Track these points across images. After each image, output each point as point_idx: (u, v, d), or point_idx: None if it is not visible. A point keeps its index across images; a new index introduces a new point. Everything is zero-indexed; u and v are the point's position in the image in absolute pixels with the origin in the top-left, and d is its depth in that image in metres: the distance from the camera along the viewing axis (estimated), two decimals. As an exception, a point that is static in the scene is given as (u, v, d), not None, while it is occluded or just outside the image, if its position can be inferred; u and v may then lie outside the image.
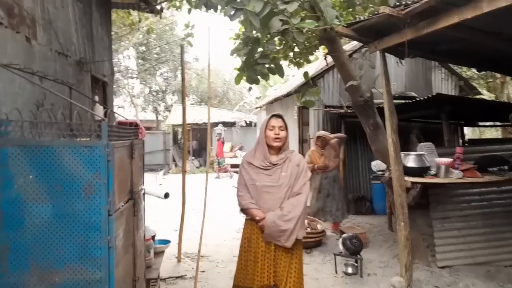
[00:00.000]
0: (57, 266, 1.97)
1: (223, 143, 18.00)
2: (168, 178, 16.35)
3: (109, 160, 1.98)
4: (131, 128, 2.70)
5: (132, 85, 22.83)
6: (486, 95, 16.58)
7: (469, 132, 19.77)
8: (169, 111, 23.41)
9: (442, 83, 9.78)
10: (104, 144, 1.97)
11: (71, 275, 1.97)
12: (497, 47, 4.03)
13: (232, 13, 3.61)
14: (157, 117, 25.51)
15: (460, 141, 9.30)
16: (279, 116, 3.01)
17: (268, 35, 3.83)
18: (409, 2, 3.27)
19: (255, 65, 4.23)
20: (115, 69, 19.18)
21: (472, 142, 9.67)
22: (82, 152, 1.97)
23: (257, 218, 2.88)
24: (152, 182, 13.86)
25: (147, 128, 22.69)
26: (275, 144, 2.92)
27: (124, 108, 24.06)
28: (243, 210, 3.02)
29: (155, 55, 20.48)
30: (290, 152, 3.02)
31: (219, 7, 4.41)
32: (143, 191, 2.99)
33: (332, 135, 6.61)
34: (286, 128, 2.98)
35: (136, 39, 17.50)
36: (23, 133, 2.01)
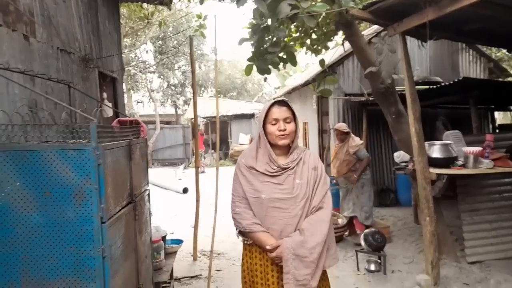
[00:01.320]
0: (50, 278, 1.85)
1: (202, 135, 17.94)
2: (188, 172, 16.35)
3: (99, 164, 1.83)
4: (130, 127, 2.54)
5: (151, 79, 22.88)
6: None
7: (499, 117, 18.93)
8: (188, 104, 23.42)
9: (470, 66, 9.27)
10: (93, 146, 1.82)
11: (65, 287, 1.84)
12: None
13: (238, -1, 3.40)
14: (176, 111, 25.55)
15: (491, 127, 8.82)
16: (282, 102, 2.17)
17: (277, 21, 3.59)
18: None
19: (265, 54, 4.01)
20: (133, 63, 19.27)
21: (503, 128, 9.15)
22: (71, 156, 1.82)
23: (268, 247, 2.06)
24: (172, 177, 13.88)
25: (167, 122, 22.82)
26: (282, 142, 2.13)
27: (143, 103, 24.20)
28: (244, 234, 2.20)
29: (172, 48, 20.41)
30: (302, 150, 2.23)
31: (228, -5, 4.21)
32: (147, 192, 2.84)
33: (356, 145, 5.71)
34: (294, 118, 2.17)
35: (152, 33, 17.43)
36: (9, 137, 1.88)
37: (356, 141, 5.68)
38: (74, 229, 1.84)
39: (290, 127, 2.14)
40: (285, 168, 2.13)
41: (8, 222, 1.82)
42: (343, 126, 5.90)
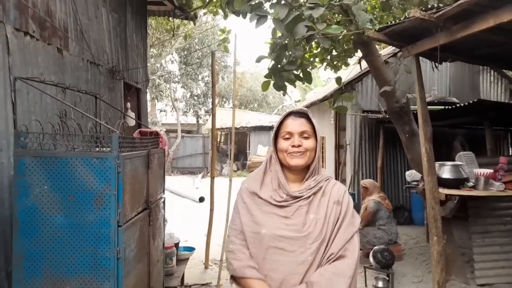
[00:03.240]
0: (69, 275, 2.02)
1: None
2: (206, 181, 16.57)
3: (119, 172, 2.01)
4: (150, 138, 2.73)
5: (174, 89, 23.41)
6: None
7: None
8: (210, 114, 23.77)
9: (490, 87, 9.20)
10: (114, 155, 2.00)
11: (81, 284, 2.02)
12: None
13: (256, 19, 3.58)
14: (197, 121, 25.98)
15: (510, 149, 8.71)
16: (301, 113, 1.69)
17: (294, 41, 3.76)
18: (441, 5, 3.09)
19: (282, 71, 4.17)
20: (158, 73, 19.81)
21: (523, 150, 9.01)
22: (94, 163, 2.01)
23: None
24: (189, 185, 14.12)
25: (188, 132, 23.23)
26: (294, 162, 1.63)
27: (166, 112, 24.71)
28: (236, 280, 1.65)
29: (197, 59, 20.89)
30: (324, 178, 1.69)
31: (248, 14, 4.40)
32: (162, 200, 3.02)
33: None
34: (315, 134, 1.67)
35: (178, 44, 17.93)
36: (40, 144, 2.08)
37: (373, 196, 5.79)
38: (93, 231, 2.02)
39: (307, 144, 1.64)
40: (296, 197, 1.62)
41: (35, 222, 2.01)
42: (365, 182, 6.04)
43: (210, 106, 24.86)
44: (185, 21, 10.13)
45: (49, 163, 2.00)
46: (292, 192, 1.63)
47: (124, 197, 2.07)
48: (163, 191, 3.10)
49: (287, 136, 1.66)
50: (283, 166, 1.70)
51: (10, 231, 2.45)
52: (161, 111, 24.57)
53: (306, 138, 1.65)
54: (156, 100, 22.00)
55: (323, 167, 10.93)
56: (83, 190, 2.01)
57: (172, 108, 24.01)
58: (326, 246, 1.58)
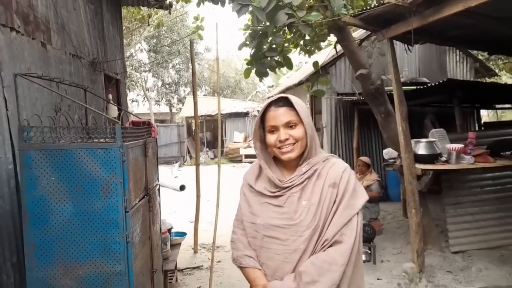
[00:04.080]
0: (80, 261, 2.11)
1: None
2: (184, 170, 16.60)
3: (123, 161, 2.10)
4: (144, 128, 2.81)
5: (145, 78, 23.08)
6: (506, 75, 16.24)
7: (490, 114, 19.41)
8: (183, 103, 23.62)
9: (457, 66, 9.63)
10: (118, 145, 2.09)
11: (94, 268, 2.11)
12: (507, 32, 3.99)
13: (238, 8, 3.66)
14: (170, 110, 25.77)
15: (476, 125, 9.19)
16: (282, 101, 1.59)
17: (275, 29, 3.87)
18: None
19: (263, 58, 4.29)
20: (128, 63, 19.44)
21: (488, 125, 9.54)
22: (99, 154, 2.09)
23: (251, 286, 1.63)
24: (167, 175, 14.11)
25: (161, 121, 23.03)
26: (286, 157, 1.58)
27: (138, 102, 24.36)
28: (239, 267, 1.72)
29: (167, 48, 20.62)
30: (323, 159, 1.61)
31: (227, 1, 4.47)
32: (158, 187, 3.12)
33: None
34: (301, 120, 1.57)
35: (147, 33, 17.64)
36: (44, 137, 2.14)
37: (373, 176, 6.09)
38: (102, 218, 2.11)
39: (295, 133, 1.56)
40: (287, 187, 1.58)
41: (44, 212, 2.08)
42: (367, 159, 6.31)
43: (182, 95, 24.74)
44: (156, 9, 10.00)
45: (54, 155, 2.06)
46: (281, 184, 1.59)
47: (129, 184, 2.16)
48: (158, 178, 3.19)
49: (272, 129, 1.59)
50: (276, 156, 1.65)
51: (13, 223, 2.51)
52: (132, 101, 24.18)
53: (292, 127, 1.57)
54: (128, 90, 21.62)
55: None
56: (89, 180, 2.09)
57: (144, 98, 23.70)
58: (321, 232, 1.52)
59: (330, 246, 1.50)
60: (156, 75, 23.42)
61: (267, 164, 1.66)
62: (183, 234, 4.39)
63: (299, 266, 1.52)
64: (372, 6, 4.09)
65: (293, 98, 1.60)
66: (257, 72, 4.30)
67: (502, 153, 4.56)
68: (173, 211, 8.38)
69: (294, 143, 1.57)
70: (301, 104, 1.60)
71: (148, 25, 10.61)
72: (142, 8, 8.56)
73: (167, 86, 24.15)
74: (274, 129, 1.58)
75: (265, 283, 1.57)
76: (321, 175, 1.58)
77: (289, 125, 1.57)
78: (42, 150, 2.06)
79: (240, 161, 18.18)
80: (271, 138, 1.59)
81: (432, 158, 4.28)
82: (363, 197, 1.60)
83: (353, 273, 1.51)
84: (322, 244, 1.51)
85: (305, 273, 1.47)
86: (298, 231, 1.53)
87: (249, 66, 4.33)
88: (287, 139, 1.56)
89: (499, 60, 13.25)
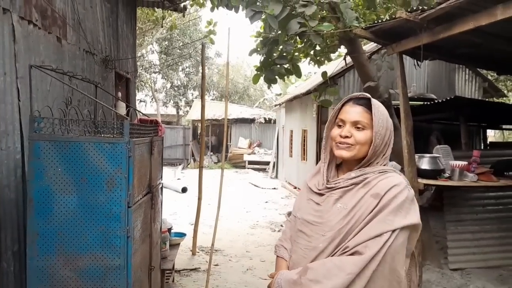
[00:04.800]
0: (81, 252, 2.15)
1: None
2: (187, 172, 16.66)
3: (130, 156, 2.14)
4: (152, 126, 2.85)
5: (155, 79, 23.25)
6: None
7: (497, 135, 19.36)
8: (190, 106, 23.75)
9: (465, 85, 9.64)
10: (126, 141, 2.13)
11: (93, 261, 2.15)
12: (516, 52, 4.02)
13: (251, 15, 3.72)
14: (178, 112, 25.90)
15: (482, 144, 9.17)
16: (362, 100, 1.55)
17: (286, 37, 3.92)
18: (422, 7, 3.31)
19: (273, 65, 4.34)
20: (138, 63, 19.63)
21: (493, 145, 9.51)
22: (106, 148, 2.13)
23: (269, 274, 1.70)
24: (171, 177, 14.17)
25: (168, 123, 23.14)
26: (338, 153, 1.54)
27: (146, 103, 24.53)
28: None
29: (178, 50, 20.80)
30: (380, 170, 1.52)
31: (240, 7, 4.54)
32: (161, 185, 3.15)
33: None
34: (371, 126, 1.50)
35: (159, 34, 17.82)
36: (53, 129, 2.19)
37: None
38: (104, 211, 2.15)
39: (359, 136, 1.50)
40: (330, 188, 1.56)
41: (48, 202, 2.12)
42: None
43: (190, 98, 24.89)
44: (170, 12, 10.13)
45: (63, 147, 2.11)
46: (327, 183, 1.57)
47: (134, 180, 2.20)
48: (161, 177, 3.23)
49: (340, 123, 1.54)
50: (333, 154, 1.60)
51: (16, 213, 2.55)
52: (140, 101, 24.36)
53: (359, 129, 1.50)
54: (136, 90, 21.82)
55: (304, 159, 11.19)
56: (95, 173, 2.13)
57: (152, 99, 23.87)
58: (345, 237, 1.44)
59: (350, 254, 1.42)
60: (165, 77, 23.59)
61: (326, 161, 1.63)
62: (182, 235, 4.41)
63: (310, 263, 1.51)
64: (384, 20, 4.14)
65: (375, 103, 1.52)
66: (266, 79, 4.35)
67: (506, 173, 4.55)
68: (174, 212, 8.41)
69: (352, 145, 1.51)
70: (381, 112, 1.51)
71: (162, 27, 10.73)
72: (156, 9, 8.67)
73: (175, 88, 24.31)
74: (342, 124, 1.54)
75: (280, 271, 1.61)
76: (368, 184, 1.49)
77: (356, 125, 1.51)
78: (51, 141, 2.10)
79: (244, 167, 18.21)
80: (335, 131, 1.56)
81: (435, 173, 4.27)
82: (411, 219, 1.42)
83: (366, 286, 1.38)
84: (343, 250, 1.44)
85: (311, 270, 1.45)
86: (323, 230, 1.50)
87: (259, 72, 4.38)
88: (347, 137, 1.51)
89: (508, 81, 13.23)
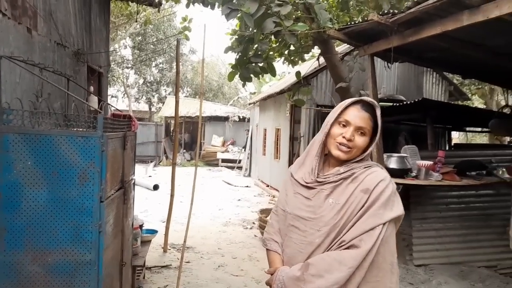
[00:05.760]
0: (50, 247, 2.11)
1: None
2: (159, 170, 16.46)
3: (103, 150, 2.12)
4: (125, 121, 2.83)
5: (127, 75, 22.82)
6: (478, 101, 16.90)
7: (461, 137, 20.13)
8: (163, 102, 23.45)
9: (433, 87, 9.99)
10: (99, 135, 2.11)
11: (63, 256, 2.12)
12: (480, 57, 4.21)
13: (227, 12, 3.74)
14: (150, 108, 25.54)
15: (447, 145, 9.53)
16: (368, 107, 1.61)
17: (262, 35, 3.96)
18: (393, 11, 3.44)
19: (248, 63, 4.37)
20: (111, 58, 19.22)
21: (457, 146, 9.89)
22: (78, 141, 2.10)
23: (266, 271, 1.74)
24: (142, 174, 13.97)
25: (140, 119, 22.76)
26: (336, 153, 1.61)
27: (117, 98, 24.04)
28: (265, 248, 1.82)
29: (152, 46, 20.50)
30: (365, 165, 1.61)
31: (216, 4, 4.54)
32: (133, 181, 3.13)
33: None
34: (373, 132, 1.62)
35: (133, 29, 17.50)
36: (23, 122, 2.14)
37: None
38: (76, 206, 2.12)
39: (359, 141, 1.58)
40: (320, 182, 1.62)
41: (17, 196, 2.08)
42: None
43: (164, 94, 24.57)
44: (145, 6, 9.98)
45: (33, 140, 2.07)
46: (318, 178, 1.63)
47: (107, 174, 2.18)
48: (134, 173, 3.21)
49: (344, 123, 1.60)
50: (326, 149, 1.66)
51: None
52: (112, 96, 23.85)
53: (361, 134, 1.59)
54: (108, 85, 21.36)
55: (277, 158, 11.29)
56: (67, 167, 2.10)
57: (124, 94, 23.42)
58: (340, 232, 1.52)
59: (347, 248, 1.50)
60: (138, 73, 23.20)
61: (321, 156, 1.68)
62: (154, 232, 4.39)
63: (310, 259, 1.56)
64: (357, 22, 4.25)
65: (379, 113, 1.61)
66: (241, 76, 4.38)
67: (468, 173, 4.78)
68: (145, 210, 8.31)
69: (352, 148, 1.59)
70: (381, 121, 1.62)
71: (136, 22, 10.56)
72: (130, 4, 8.53)
73: (148, 84, 23.94)
74: (346, 125, 1.60)
75: (278, 266, 1.66)
76: (356, 179, 1.57)
77: (360, 130, 1.59)
78: (21, 134, 2.05)
79: (217, 165, 18.16)
80: (337, 130, 1.60)
81: (403, 172, 4.44)
82: (397, 211, 1.53)
83: (365, 281, 1.48)
84: (339, 244, 1.52)
85: (313, 265, 1.51)
86: (318, 225, 1.56)
87: (234, 70, 4.41)
88: (350, 140, 1.58)
89: (473, 85, 13.80)
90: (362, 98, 1.65)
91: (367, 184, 1.54)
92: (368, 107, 1.61)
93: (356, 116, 1.58)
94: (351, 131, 1.57)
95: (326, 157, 1.70)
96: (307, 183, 1.64)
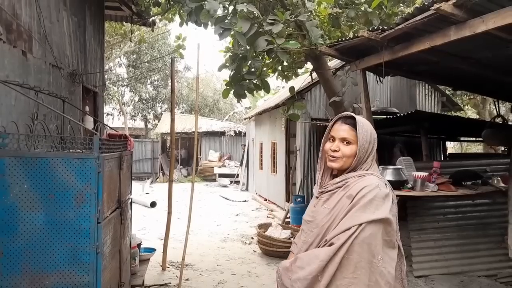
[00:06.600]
0: (48, 270, 2.11)
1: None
2: (156, 186, 16.41)
3: (99, 172, 2.14)
4: (121, 141, 2.85)
5: (122, 92, 22.90)
6: (470, 111, 17.06)
7: (456, 146, 20.24)
8: (159, 119, 23.49)
9: (425, 99, 10.10)
10: (95, 156, 2.13)
11: (61, 278, 2.11)
12: (469, 70, 4.29)
13: (220, 32, 3.80)
14: (146, 125, 25.56)
15: (442, 155, 9.59)
16: (349, 119, 1.83)
17: (255, 53, 4.02)
18: (382, 27, 3.51)
19: (242, 80, 4.42)
20: (106, 76, 19.34)
21: (452, 156, 9.98)
22: (75, 163, 2.12)
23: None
24: (139, 191, 13.91)
25: (136, 136, 22.78)
26: (329, 165, 1.85)
27: (113, 116, 24.07)
28: None
29: (146, 64, 20.64)
30: (359, 175, 1.79)
31: (209, 23, 4.62)
32: (130, 200, 3.13)
33: None
34: (356, 141, 1.78)
35: (127, 48, 17.65)
36: (19, 145, 2.16)
37: None
38: (73, 228, 2.13)
39: (345, 150, 1.78)
40: (321, 192, 1.89)
41: (14, 220, 2.08)
42: None
43: (159, 111, 24.65)
44: (139, 26, 10.09)
45: (29, 163, 2.08)
46: (320, 188, 1.91)
47: (103, 195, 2.20)
48: (131, 192, 3.21)
49: (332, 138, 1.84)
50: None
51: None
52: (108, 114, 23.89)
53: (346, 144, 1.79)
54: (103, 104, 21.42)
55: (274, 172, 11.29)
56: (63, 189, 2.11)
57: (120, 112, 23.46)
58: (326, 233, 1.75)
59: (329, 246, 1.70)
60: (133, 90, 23.29)
61: (321, 169, 1.95)
62: (152, 250, 4.36)
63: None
64: (347, 37, 4.33)
65: (359, 121, 1.80)
66: (236, 93, 4.43)
67: (463, 183, 4.81)
68: (143, 227, 8.26)
69: (341, 157, 1.79)
70: (365, 128, 1.79)
71: (130, 41, 10.67)
72: (124, 23, 8.63)
73: (144, 101, 24.02)
74: (332, 139, 1.84)
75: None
76: (348, 187, 1.77)
77: (344, 141, 1.80)
78: (17, 157, 2.07)
79: (214, 180, 18.12)
80: (328, 145, 1.86)
81: (399, 184, 4.45)
82: (378, 214, 1.66)
83: (341, 276, 1.65)
84: (324, 243, 1.74)
85: (299, 259, 1.79)
86: (312, 227, 1.84)
87: (228, 87, 4.45)
88: (335, 151, 1.80)
89: (465, 95, 13.96)
90: (342, 114, 1.88)
91: (352, 191, 1.74)
92: (349, 120, 1.82)
93: (339, 129, 1.82)
94: (336, 143, 1.81)
95: (330, 170, 1.93)
96: (316, 195, 1.93)
